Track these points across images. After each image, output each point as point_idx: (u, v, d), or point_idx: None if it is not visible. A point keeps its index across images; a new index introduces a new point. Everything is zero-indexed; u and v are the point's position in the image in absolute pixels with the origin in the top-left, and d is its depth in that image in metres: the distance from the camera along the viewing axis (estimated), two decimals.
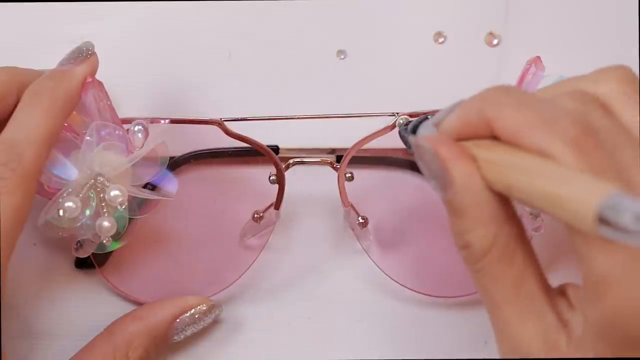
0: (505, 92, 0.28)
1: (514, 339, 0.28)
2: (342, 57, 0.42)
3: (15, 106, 0.35)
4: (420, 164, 0.29)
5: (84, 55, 0.36)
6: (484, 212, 0.28)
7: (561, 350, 0.28)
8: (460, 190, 0.28)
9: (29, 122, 0.33)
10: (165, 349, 0.38)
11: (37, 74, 0.36)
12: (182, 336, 0.38)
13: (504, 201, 0.28)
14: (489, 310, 0.29)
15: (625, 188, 0.25)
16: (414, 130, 0.32)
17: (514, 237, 0.28)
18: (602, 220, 0.22)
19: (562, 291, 0.29)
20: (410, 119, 0.36)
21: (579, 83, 0.30)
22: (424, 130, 0.31)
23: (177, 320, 0.38)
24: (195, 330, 0.38)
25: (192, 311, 0.38)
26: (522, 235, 0.29)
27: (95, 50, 0.36)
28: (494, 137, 0.28)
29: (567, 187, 0.24)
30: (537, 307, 0.28)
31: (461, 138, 0.28)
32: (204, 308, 0.38)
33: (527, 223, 0.36)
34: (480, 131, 0.28)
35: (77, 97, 0.35)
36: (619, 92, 0.29)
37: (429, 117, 0.32)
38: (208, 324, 0.38)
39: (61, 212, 0.35)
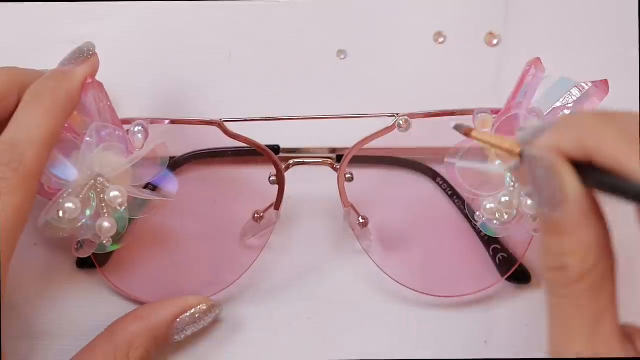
0: (604, 121, 0.27)
1: None
2: (342, 57, 0.42)
3: (16, 106, 0.35)
4: (527, 177, 0.28)
5: (85, 55, 0.36)
6: (591, 236, 0.27)
7: None
8: (573, 208, 0.27)
9: (30, 123, 0.33)
10: (166, 348, 0.38)
11: (38, 74, 0.36)
12: (183, 336, 0.38)
13: (606, 228, 0.27)
14: (559, 341, 0.28)
15: None
16: None
17: (608, 271, 0.27)
18: None
19: (628, 335, 0.28)
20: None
21: None
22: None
23: (178, 320, 0.38)
24: (195, 330, 0.38)
25: (193, 311, 0.38)
26: (614, 272, 0.28)
27: (96, 50, 0.37)
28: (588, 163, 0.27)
29: None
30: (612, 349, 0.27)
31: None
32: (204, 308, 0.38)
33: (528, 224, 0.36)
34: (573, 155, 0.27)
35: (78, 97, 0.35)
36: None
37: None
38: (208, 324, 0.38)
39: (61, 213, 0.35)
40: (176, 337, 0.38)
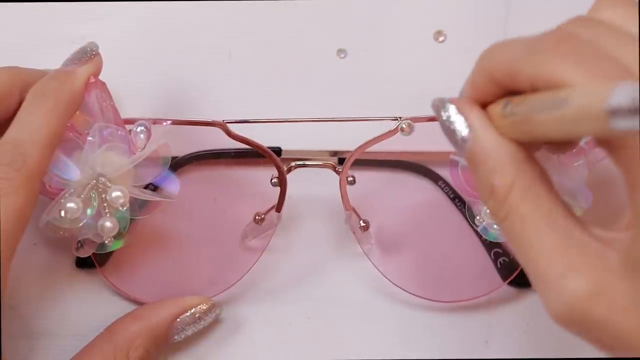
0: (494, 45, 0.30)
1: (558, 276, 0.27)
2: (342, 56, 0.42)
3: (18, 106, 0.35)
4: (443, 128, 0.31)
5: (88, 55, 0.36)
6: (503, 153, 0.29)
7: (614, 269, 0.27)
8: (480, 134, 0.29)
9: (34, 122, 0.33)
10: (166, 348, 0.38)
11: (40, 74, 0.36)
12: (183, 336, 0.38)
13: (520, 146, 0.29)
14: (525, 260, 0.29)
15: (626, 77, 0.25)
16: None
17: (537, 178, 0.29)
18: (615, 114, 0.22)
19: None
20: None
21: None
22: None
23: (178, 319, 0.38)
24: (195, 330, 0.38)
25: (193, 310, 0.38)
26: (545, 177, 0.29)
27: (99, 50, 0.36)
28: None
29: (572, 101, 0.25)
30: (576, 236, 0.28)
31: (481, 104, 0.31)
32: (205, 307, 0.38)
33: None
34: (491, 91, 0.30)
35: (81, 97, 0.35)
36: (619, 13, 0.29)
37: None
38: (208, 324, 0.39)
39: (63, 213, 0.35)
40: (176, 337, 0.38)
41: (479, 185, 0.30)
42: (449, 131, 0.31)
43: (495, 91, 0.30)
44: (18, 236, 0.33)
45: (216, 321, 0.39)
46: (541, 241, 0.28)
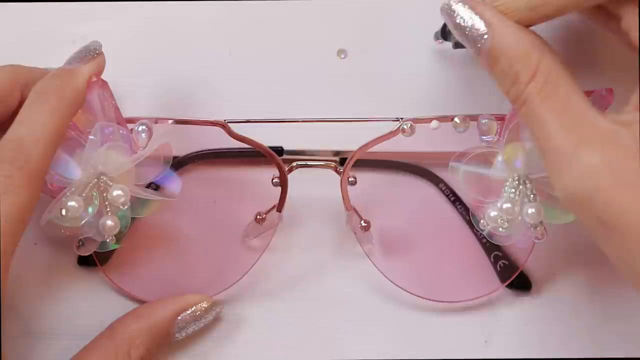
0: None
1: (572, 148, 0.29)
2: (343, 56, 0.42)
3: (20, 105, 0.35)
4: (455, 31, 0.33)
5: (92, 54, 0.36)
6: (526, 41, 0.31)
7: (626, 146, 0.29)
8: (498, 28, 0.31)
9: (36, 121, 0.33)
10: (167, 347, 0.38)
11: (41, 73, 0.36)
12: (184, 334, 0.38)
13: (538, 35, 0.31)
14: (542, 137, 0.30)
15: None
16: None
17: (557, 62, 0.31)
18: None
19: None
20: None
21: None
22: None
23: (179, 318, 0.38)
24: (196, 328, 0.38)
25: (193, 309, 0.38)
26: (563, 63, 0.31)
27: (102, 50, 0.36)
28: None
29: None
30: (590, 116, 0.30)
31: None
32: (205, 306, 0.38)
33: (529, 233, 0.36)
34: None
35: (83, 96, 0.35)
36: None
37: None
38: (209, 322, 0.39)
39: (64, 212, 0.35)
40: (177, 336, 0.38)
41: (500, 77, 0.31)
42: (464, 32, 0.32)
43: None
44: (18, 235, 0.33)
45: (217, 320, 0.39)
46: (558, 118, 0.30)
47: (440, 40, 0.41)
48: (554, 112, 0.30)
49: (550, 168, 0.30)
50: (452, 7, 0.32)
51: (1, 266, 0.32)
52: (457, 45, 0.40)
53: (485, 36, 0.31)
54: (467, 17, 0.32)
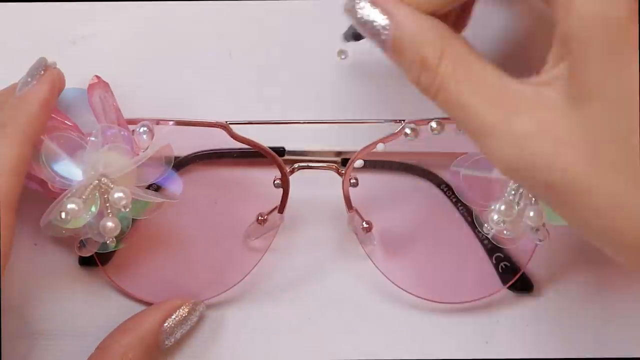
0: None
1: (503, 120, 0.29)
2: (343, 57, 0.42)
3: None
4: (360, 29, 0.33)
5: (38, 72, 0.36)
6: (428, 26, 0.31)
7: (555, 106, 0.28)
8: (400, 18, 0.31)
9: None
10: (160, 355, 0.38)
11: (5, 93, 0.36)
12: (173, 340, 0.38)
13: (438, 20, 0.31)
14: (466, 119, 0.30)
15: None
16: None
17: (463, 44, 0.31)
18: None
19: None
20: None
21: None
22: None
23: (165, 325, 0.38)
24: (184, 332, 0.38)
25: (176, 314, 0.38)
26: (468, 44, 0.31)
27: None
28: None
29: None
30: (511, 87, 0.29)
31: None
32: (187, 309, 0.38)
33: (531, 236, 0.37)
34: None
35: (40, 120, 0.35)
36: None
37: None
38: (195, 323, 0.39)
39: (63, 214, 0.35)
40: (166, 342, 0.38)
41: (408, 66, 0.31)
42: (367, 26, 0.32)
43: None
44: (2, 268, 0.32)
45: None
46: (480, 97, 0.29)
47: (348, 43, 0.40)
48: (474, 91, 0.30)
49: (484, 146, 0.30)
50: (355, 6, 0.32)
51: None
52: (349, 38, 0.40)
53: (388, 28, 0.31)
54: (368, 12, 0.32)
